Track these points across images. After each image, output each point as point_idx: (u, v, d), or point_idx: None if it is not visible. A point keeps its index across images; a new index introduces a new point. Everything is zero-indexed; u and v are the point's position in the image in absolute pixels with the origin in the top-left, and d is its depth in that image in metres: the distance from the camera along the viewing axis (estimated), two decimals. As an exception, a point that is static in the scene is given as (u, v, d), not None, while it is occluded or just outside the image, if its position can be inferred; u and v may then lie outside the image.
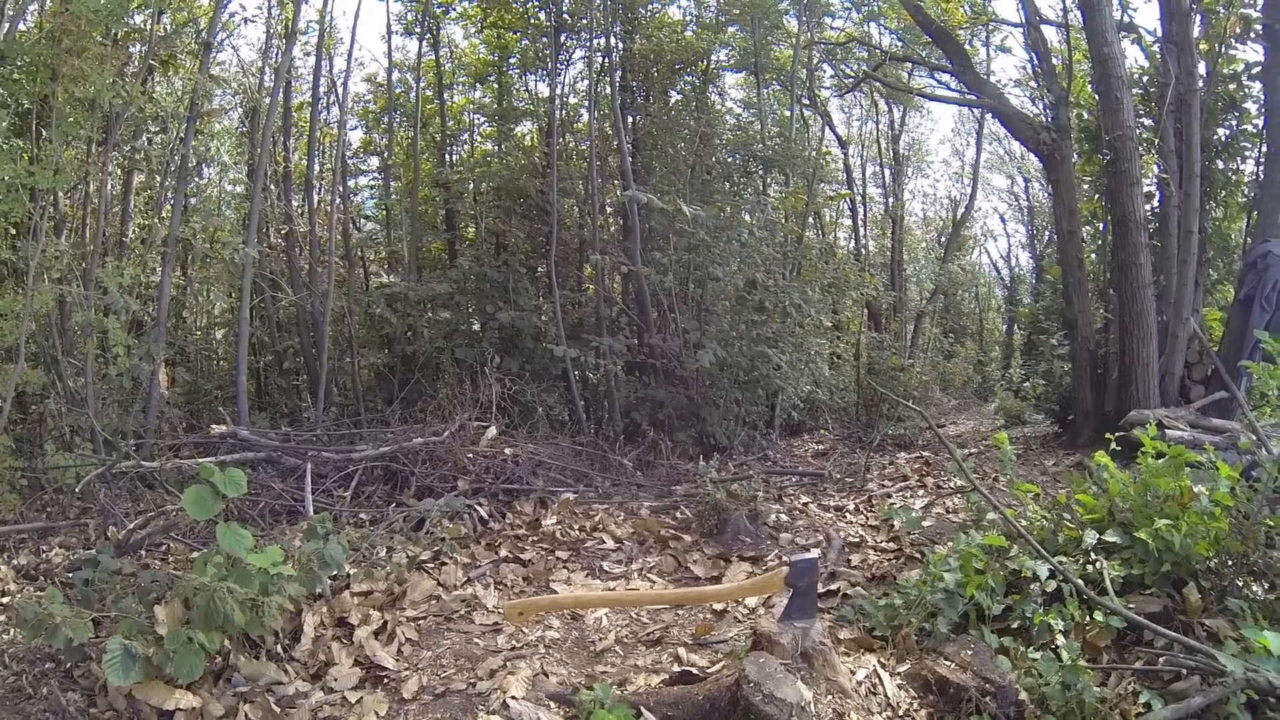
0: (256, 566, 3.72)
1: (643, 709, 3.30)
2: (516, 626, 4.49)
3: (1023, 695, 3.32)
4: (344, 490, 6.99)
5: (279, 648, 4.05)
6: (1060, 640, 3.52)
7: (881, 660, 3.72)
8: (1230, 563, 3.82)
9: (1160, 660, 3.43)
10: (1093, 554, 4.00)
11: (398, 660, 4.17)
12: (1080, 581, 3.75)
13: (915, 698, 3.45)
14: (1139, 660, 3.53)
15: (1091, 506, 4.32)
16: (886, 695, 3.42)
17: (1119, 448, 4.75)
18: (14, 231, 6.85)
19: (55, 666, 3.79)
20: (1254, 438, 4.59)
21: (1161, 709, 3.17)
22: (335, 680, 3.87)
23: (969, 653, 3.54)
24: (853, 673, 3.53)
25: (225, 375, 12.03)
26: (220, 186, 13.92)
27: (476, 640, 4.47)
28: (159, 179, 10.87)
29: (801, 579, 3.55)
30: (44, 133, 6.72)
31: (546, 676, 3.94)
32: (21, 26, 7.65)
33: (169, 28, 9.70)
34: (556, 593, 5.23)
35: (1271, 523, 3.85)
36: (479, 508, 6.75)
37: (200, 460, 6.65)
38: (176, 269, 10.83)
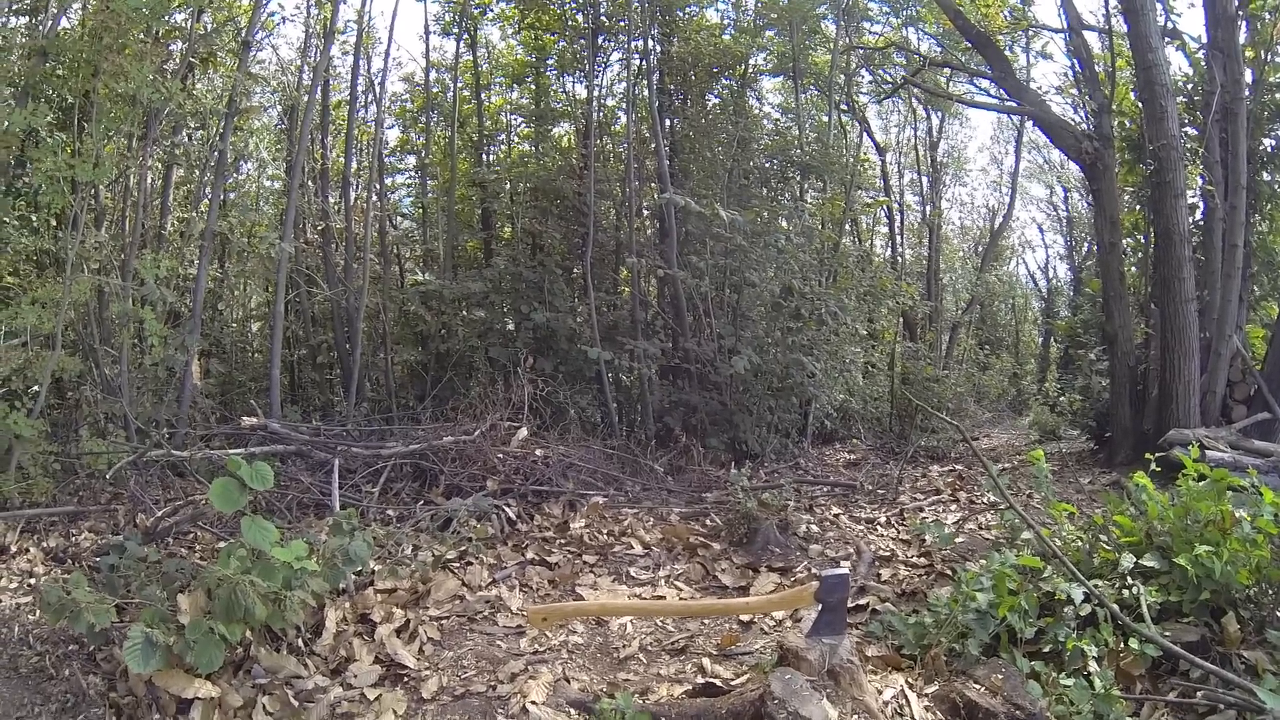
0: (280, 560, 3.73)
1: (664, 720, 3.25)
2: (540, 631, 4.46)
3: (1054, 723, 3.24)
4: (372, 486, 7.04)
5: (300, 641, 4.06)
6: (1093, 667, 3.43)
7: (909, 680, 3.64)
8: (1272, 592, 3.72)
9: (1197, 693, 3.34)
10: (1129, 578, 3.89)
11: (418, 659, 4.15)
12: (1115, 606, 3.66)
13: (942, 721, 3.38)
14: (1174, 691, 3.44)
15: (1129, 529, 4.21)
16: (913, 717, 3.34)
17: (1158, 468, 4.65)
18: (55, 222, 6.96)
19: (78, 649, 3.82)
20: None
21: (1196, 743, 3.09)
22: (355, 677, 3.87)
23: (999, 676, 3.45)
24: (879, 692, 3.45)
25: (259, 368, 12.16)
26: (258, 182, 14.11)
27: (499, 642, 4.44)
28: (198, 174, 11.06)
29: (832, 594, 3.47)
30: (85, 127, 6.82)
31: (568, 682, 3.90)
32: (65, 24, 7.82)
33: (209, 26, 9.87)
34: (582, 597, 5.20)
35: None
36: (507, 509, 6.73)
37: (230, 451, 6.71)
38: (213, 262, 10.99)
